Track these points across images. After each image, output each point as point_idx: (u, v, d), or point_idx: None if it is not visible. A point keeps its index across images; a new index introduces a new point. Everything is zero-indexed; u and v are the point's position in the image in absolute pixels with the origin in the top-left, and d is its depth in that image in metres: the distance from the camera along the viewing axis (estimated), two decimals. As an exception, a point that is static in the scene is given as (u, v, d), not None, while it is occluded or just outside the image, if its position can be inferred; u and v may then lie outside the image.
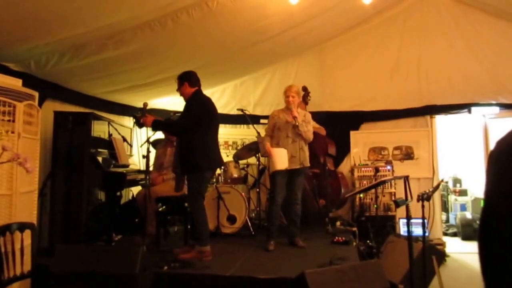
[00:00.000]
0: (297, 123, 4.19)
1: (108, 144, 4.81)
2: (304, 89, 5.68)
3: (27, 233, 2.80)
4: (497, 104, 5.59)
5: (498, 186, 0.73)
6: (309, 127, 4.37)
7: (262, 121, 5.99)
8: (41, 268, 2.86)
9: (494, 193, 0.74)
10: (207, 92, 6.45)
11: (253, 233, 4.94)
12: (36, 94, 3.63)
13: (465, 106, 5.70)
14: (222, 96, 6.57)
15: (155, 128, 3.98)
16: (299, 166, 4.26)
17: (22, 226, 2.77)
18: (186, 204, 4.25)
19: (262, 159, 5.61)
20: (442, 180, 4.57)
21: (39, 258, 3.23)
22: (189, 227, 4.41)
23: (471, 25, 5.56)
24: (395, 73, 5.94)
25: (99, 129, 4.75)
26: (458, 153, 6.87)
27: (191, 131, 3.79)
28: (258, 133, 5.47)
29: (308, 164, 4.42)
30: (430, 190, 3.36)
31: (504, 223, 0.69)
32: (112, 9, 3.31)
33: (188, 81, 3.93)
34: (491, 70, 5.55)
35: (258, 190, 5.67)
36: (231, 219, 4.95)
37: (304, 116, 4.39)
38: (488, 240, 0.73)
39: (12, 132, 3.17)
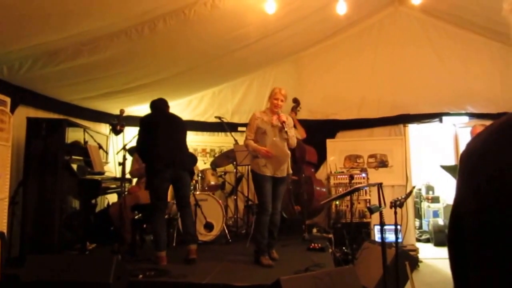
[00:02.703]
0: (285, 129, 3.92)
1: (84, 151, 4.73)
2: (295, 100, 5.68)
3: (-4, 242, 2.73)
4: (467, 114, 5.83)
5: (469, 184, 0.74)
6: (293, 132, 4.19)
7: (239, 128, 6.03)
8: (11, 278, 2.79)
9: (466, 190, 0.74)
10: (184, 99, 6.49)
11: (230, 240, 4.95)
12: (8, 100, 3.57)
13: (437, 116, 5.91)
14: (200, 103, 6.57)
15: None
16: (286, 173, 4.07)
17: (-9, 235, 2.71)
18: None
19: (239, 167, 5.62)
20: (414, 187, 4.69)
21: (8, 268, 3.15)
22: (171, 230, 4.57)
23: (441, 37, 5.81)
24: (370, 82, 6.09)
25: (74, 136, 4.67)
26: (430, 161, 7.06)
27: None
28: (236, 140, 5.49)
29: (291, 171, 4.24)
30: (403, 197, 3.44)
31: (474, 218, 0.70)
32: (88, 15, 3.28)
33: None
34: (460, 81, 5.78)
35: (235, 197, 5.67)
36: (208, 226, 4.94)
37: (287, 119, 4.07)
38: (458, 237, 0.75)
39: (-18, 139, 3.10)
